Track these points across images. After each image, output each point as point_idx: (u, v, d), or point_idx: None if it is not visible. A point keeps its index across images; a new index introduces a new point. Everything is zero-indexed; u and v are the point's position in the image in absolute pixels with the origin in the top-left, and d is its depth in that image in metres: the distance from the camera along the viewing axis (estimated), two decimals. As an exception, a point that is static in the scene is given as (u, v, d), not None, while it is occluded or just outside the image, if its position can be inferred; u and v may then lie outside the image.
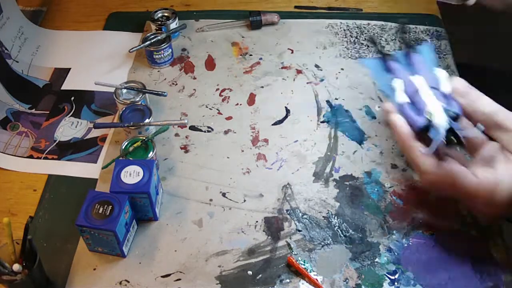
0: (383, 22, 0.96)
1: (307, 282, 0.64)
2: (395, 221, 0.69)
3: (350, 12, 0.99)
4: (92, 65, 0.92)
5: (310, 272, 0.65)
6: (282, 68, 0.89)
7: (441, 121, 0.57)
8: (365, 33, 0.94)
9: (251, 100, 0.85)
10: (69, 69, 0.92)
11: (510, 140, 0.58)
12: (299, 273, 0.64)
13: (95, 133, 0.81)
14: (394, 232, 0.68)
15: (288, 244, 0.67)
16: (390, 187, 0.72)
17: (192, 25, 0.97)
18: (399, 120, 0.60)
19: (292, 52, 0.92)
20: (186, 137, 0.80)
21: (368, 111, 0.82)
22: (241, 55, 0.92)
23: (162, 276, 0.65)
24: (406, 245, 0.67)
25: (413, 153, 0.59)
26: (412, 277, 0.64)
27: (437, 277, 0.64)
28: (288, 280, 0.64)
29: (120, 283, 0.65)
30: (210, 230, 0.69)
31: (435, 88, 0.61)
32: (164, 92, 0.82)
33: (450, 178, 0.58)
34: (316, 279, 0.64)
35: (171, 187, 0.74)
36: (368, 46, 0.91)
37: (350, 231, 0.68)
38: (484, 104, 0.59)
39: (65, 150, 0.79)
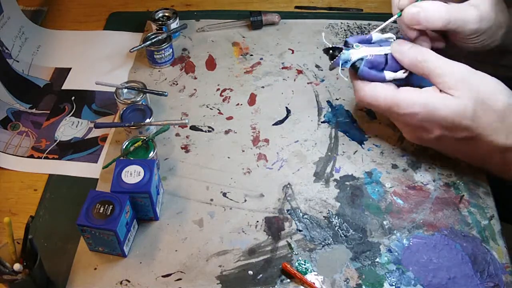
0: (383, 22, 0.95)
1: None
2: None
3: (351, 13, 0.99)
4: (93, 65, 0.92)
5: (311, 272, 0.65)
6: (282, 68, 0.89)
7: (352, 53, 0.68)
8: (366, 33, 0.94)
9: (252, 100, 0.85)
10: (70, 69, 0.92)
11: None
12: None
13: (96, 133, 0.82)
14: (395, 232, 0.68)
15: (289, 244, 0.67)
16: (390, 187, 0.72)
17: (193, 25, 0.97)
18: None
19: (292, 52, 0.92)
20: (186, 137, 0.80)
21: (369, 111, 0.82)
22: (241, 55, 0.92)
23: (163, 276, 0.65)
24: (406, 245, 0.67)
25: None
26: (413, 277, 0.64)
27: (437, 277, 0.64)
28: (288, 280, 0.64)
29: (121, 282, 0.65)
30: (211, 230, 0.69)
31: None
32: (165, 92, 0.82)
33: (372, 91, 0.67)
34: (313, 282, 0.64)
35: (172, 187, 0.74)
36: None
37: (351, 231, 0.68)
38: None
39: (66, 150, 0.80)
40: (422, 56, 0.65)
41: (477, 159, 0.69)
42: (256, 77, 0.88)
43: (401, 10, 0.66)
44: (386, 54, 0.68)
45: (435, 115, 0.64)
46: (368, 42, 0.70)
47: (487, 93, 0.62)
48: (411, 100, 0.65)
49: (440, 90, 0.64)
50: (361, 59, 0.67)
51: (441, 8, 0.64)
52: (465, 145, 0.66)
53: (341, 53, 0.68)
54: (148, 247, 0.68)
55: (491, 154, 0.66)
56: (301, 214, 0.70)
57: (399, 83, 0.68)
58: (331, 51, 0.69)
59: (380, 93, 0.67)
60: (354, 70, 0.68)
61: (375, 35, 0.70)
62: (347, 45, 0.69)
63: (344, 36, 0.94)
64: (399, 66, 0.68)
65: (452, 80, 0.62)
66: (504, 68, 0.66)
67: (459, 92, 0.62)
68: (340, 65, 0.68)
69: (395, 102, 0.66)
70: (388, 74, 0.68)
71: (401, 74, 0.68)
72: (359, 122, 0.81)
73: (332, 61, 0.68)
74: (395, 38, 0.70)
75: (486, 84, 0.63)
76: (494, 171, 0.70)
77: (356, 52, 0.68)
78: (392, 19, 0.68)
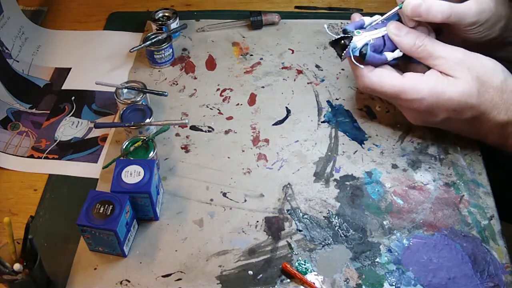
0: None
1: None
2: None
3: (351, 12, 0.99)
4: (93, 65, 0.92)
5: (311, 272, 0.65)
6: (282, 68, 0.89)
7: (356, 41, 0.68)
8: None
9: (252, 100, 0.85)
10: (70, 69, 0.92)
11: (442, 64, 0.66)
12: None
13: (96, 133, 0.82)
14: (395, 232, 0.68)
15: (289, 244, 0.67)
16: (390, 187, 0.73)
17: (193, 25, 0.97)
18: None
19: (292, 52, 0.92)
20: (186, 137, 0.80)
21: (369, 111, 0.82)
22: (241, 55, 0.92)
23: (163, 276, 0.65)
24: (406, 245, 0.67)
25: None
26: (413, 277, 0.64)
27: (437, 277, 0.64)
28: (288, 280, 0.64)
29: (121, 282, 0.65)
30: (211, 230, 0.69)
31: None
32: (165, 92, 0.82)
33: (376, 77, 0.68)
34: (313, 283, 0.64)
35: (172, 187, 0.74)
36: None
37: (351, 231, 0.68)
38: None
39: (66, 150, 0.80)
40: (420, 41, 0.66)
41: (478, 135, 0.72)
42: (256, 77, 0.88)
43: (402, 2, 0.67)
44: (383, 36, 0.69)
45: (441, 99, 0.66)
46: (362, 27, 0.70)
47: (484, 72, 0.65)
48: (417, 86, 0.66)
49: (441, 73, 0.66)
50: (366, 44, 0.68)
51: (442, 2, 0.65)
52: (469, 124, 0.68)
53: (351, 41, 0.68)
54: (148, 247, 0.68)
55: (492, 130, 0.68)
56: (301, 214, 0.70)
57: (396, 61, 0.70)
58: (342, 41, 0.68)
59: (386, 79, 0.68)
60: (361, 57, 0.68)
61: (367, 19, 0.71)
62: (346, 32, 0.69)
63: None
64: (394, 45, 0.69)
65: (451, 62, 0.65)
66: (501, 60, 0.67)
67: (460, 73, 0.65)
68: (352, 54, 0.68)
69: (402, 89, 0.67)
70: (389, 55, 0.69)
71: (398, 53, 0.69)
72: (359, 122, 0.81)
73: (344, 52, 0.68)
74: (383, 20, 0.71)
75: (483, 63, 0.66)
76: (493, 144, 0.71)
77: (360, 38, 0.68)
78: (393, 10, 0.68)
